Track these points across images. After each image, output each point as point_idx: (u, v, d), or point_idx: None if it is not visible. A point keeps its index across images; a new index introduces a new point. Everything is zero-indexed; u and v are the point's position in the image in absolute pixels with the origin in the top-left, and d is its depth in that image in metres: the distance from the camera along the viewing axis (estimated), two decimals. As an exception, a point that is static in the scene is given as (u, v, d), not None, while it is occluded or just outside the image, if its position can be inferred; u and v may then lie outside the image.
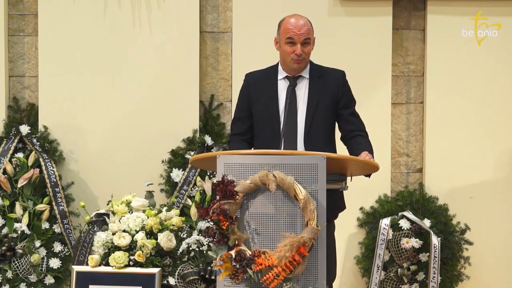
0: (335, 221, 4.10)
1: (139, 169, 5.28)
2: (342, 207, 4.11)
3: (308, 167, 3.46)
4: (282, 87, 4.00)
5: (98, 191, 5.31)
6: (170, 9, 5.32)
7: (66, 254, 5.16)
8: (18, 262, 5.03)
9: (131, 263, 4.17)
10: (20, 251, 5.04)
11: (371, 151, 3.83)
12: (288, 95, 3.95)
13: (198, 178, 5.17)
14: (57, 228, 5.17)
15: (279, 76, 4.02)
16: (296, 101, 3.96)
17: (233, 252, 3.46)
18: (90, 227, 4.40)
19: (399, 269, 5.02)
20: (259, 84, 4.03)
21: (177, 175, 5.21)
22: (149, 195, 4.43)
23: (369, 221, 5.23)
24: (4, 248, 5.03)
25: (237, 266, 3.45)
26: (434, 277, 4.94)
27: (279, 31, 3.97)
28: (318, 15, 5.20)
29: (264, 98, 3.99)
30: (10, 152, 5.20)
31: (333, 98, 3.99)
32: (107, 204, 4.42)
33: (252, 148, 4.03)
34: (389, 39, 5.31)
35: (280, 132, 3.91)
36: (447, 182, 5.31)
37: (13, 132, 5.27)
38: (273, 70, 4.05)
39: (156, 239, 4.21)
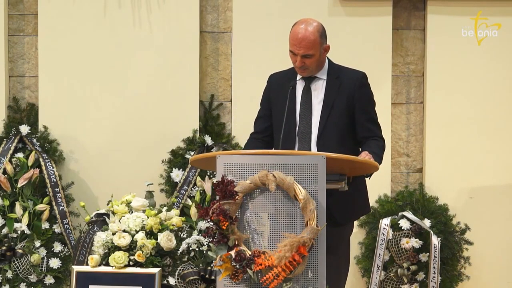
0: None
1: (139, 169, 5.28)
2: (365, 209, 4.13)
3: (307, 167, 3.46)
4: (300, 87, 3.99)
5: (98, 191, 5.31)
6: (170, 9, 5.32)
7: (66, 254, 5.15)
8: (18, 262, 5.03)
9: (131, 263, 4.17)
10: (20, 251, 5.04)
11: (377, 153, 3.80)
12: (304, 96, 3.95)
13: (198, 178, 5.17)
14: (57, 228, 5.16)
15: (298, 77, 4.01)
16: (311, 101, 3.95)
17: (233, 252, 3.46)
18: (90, 227, 4.40)
19: (399, 269, 5.02)
20: (279, 84, 4.03)
21: (177, 175, 5.20)
22: (149, 195, 4.43)
23: (369, 221, 5.22)
24: (4, 248, 5.03)
25: (237, 266, 3.44)
26: (434, 277, 4.94)
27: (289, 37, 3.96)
28: (318, 15, 5.18)
29: (282, 98, 3.98)
30: (10, 152, 5.20)
31: (349, 100, 3.93)
32: (107, 204, 4.42)
33: (273, 148, 4.03)
34: (389, 39, 5.31)
35: (295, 132, 3.92)
36: (447, 182, 5.31)
37: (13, 132, 5.27)
38: (293, 70, 4.03)
39: (156, 239, 4.21)
